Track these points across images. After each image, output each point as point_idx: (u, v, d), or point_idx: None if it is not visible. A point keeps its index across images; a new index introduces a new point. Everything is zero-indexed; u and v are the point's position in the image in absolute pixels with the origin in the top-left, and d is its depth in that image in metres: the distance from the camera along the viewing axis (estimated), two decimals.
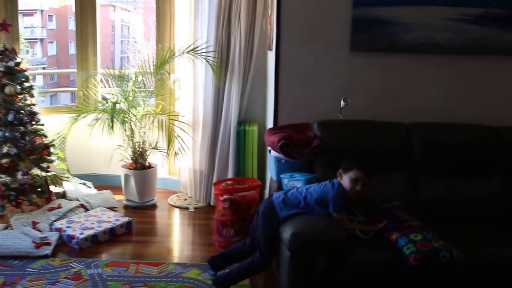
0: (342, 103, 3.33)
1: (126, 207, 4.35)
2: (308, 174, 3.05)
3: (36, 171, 4.01)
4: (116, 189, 4.58)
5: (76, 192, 4.33)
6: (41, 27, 23.26)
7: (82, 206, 4.11)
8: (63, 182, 4.32)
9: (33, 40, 22.55)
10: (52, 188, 4.19)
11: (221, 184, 3.71)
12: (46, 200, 4.08)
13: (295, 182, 3.01)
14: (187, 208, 4.33)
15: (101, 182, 4.79)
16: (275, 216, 2.70)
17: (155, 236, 3.82)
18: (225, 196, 3.46)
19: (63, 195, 4.28)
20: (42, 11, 23.16)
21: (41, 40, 23.40)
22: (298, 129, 3.29)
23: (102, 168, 4.72)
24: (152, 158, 4.41)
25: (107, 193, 4.44)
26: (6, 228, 3.70)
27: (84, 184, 4.57)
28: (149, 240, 3.71)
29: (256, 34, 4.11)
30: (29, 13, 22.39)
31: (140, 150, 4.29)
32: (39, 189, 4.00)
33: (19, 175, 3.86)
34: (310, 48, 3.45)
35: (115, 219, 3.83)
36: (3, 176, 3.84)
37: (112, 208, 4.20)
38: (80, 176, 4.65)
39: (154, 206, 4.40)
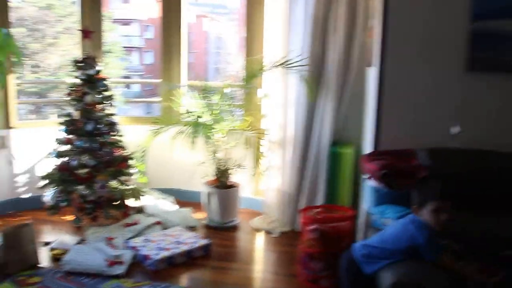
0: (455, 129, 2.90)
1: (206, 227, 4.11)
2: (402, 209, 2.66)
3: (114, 183, 3.86)
4: (197, 206, 4.37)
5: (155, 208, 4.15)
6: (139, 36, 24.15)
7: (159, 223, 3.92)
8: (142, 197, 4.16)
9: (131, 49, 23.45)
10: (131, 202, 4.04)
11: (309, 211, 3.37)
12: (123, 215, 3.93)
13: (385, 220, 2.65)
14: (271, 233, 4.02)
15: (182, 197, 4.60)
16: (359, 272, 2.42)
17: (234, 261, 3.52)
18: (313, 226, 3.12)
19: (141, 210, 4.12)
20: (139, 20, 24.02)
21: (138, 48, 24.30)
22: (401, 156, 2.91)
23: (184, 184, 4.55)
24: (237, 176, 4.15)
25: (186, 211, 4.22)
26: (80, 242, 3.59)
27: (165, 199, 4.40)
28: (227, 266, 3.42)
29: (355, 48, 3.74)
30: (126, 23, 23.31)
31: (224, 167, 4.04)
32: (116, 203, 3.85)
33: (96, 188, 3.70)
34: (419, 65, 3.10)
35: (193, 240, 3.58)
36: (80, 187, 3.70)
37: (191, 227, 3.98)
38: (160, 191, 4.49)
39: (235, 228, 4.12)
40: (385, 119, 3.14)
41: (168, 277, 3.19)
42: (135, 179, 4.10)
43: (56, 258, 3.37)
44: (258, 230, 4.08)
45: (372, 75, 3.37)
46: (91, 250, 3.36)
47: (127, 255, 3.33)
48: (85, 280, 3.07)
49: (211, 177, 4.12)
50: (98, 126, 3.74)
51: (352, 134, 3.90)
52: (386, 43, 3.08)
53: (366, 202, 3.03)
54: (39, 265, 3.28)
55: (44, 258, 3.40)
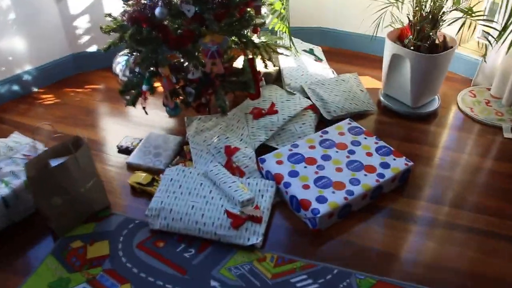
0: None
1: (383, 110, 2.42)
2: None
3: (233, 40, 2.08)
4: (364, 60, 2.67)
5: (299, 73, 2.46)
6: None
7: (312, 107, 2.26)
8: (279, 56, 2.45)
9: None
10: (260, 66, 2.33)
11: None
12: (250, 96, 2.24)
13: None
14: (496, 128, 2.27)
15: (342, 44, 2.94)
16: None
17: (443, 203, 1.82)
18: None
19: (277, 78, 2.45)
20: None
21: None
22: None
23: (351, 25, 2.81)
24: (450, 28, 2.27)
25: (352, 78, 2.49)
26: (180, 148, 2.06)
27: (312, 52, 2.67)
28: (435, 217, 1.75)
29: None
30: None
31: (433, 12, 2.16)
32: (236, 78, 2.11)
33: (204, 55, 1.90)
34: None
35: (382, 160, 1.87)
36: (172, 54, 1.92)
37: (365, 112, 2.34)
38: (305, 33, 2.78)
39: (434, 116, 2.37)
40: None
41: (338, 247, 1.63)
42: (269, 26, 2.33)
43: (138, 191, 1.89)
44: (469, 118, 2.35)
45: None
46: (199, 181, 1.79)
47: (266, 197, 1.75)
48: (188, 254, 1.60)
49: (403, 27, 2.29)
50: None
51: None
52: None
53: None
54: (109, 210, 1.80)
55: (116, 189, 1.92)
